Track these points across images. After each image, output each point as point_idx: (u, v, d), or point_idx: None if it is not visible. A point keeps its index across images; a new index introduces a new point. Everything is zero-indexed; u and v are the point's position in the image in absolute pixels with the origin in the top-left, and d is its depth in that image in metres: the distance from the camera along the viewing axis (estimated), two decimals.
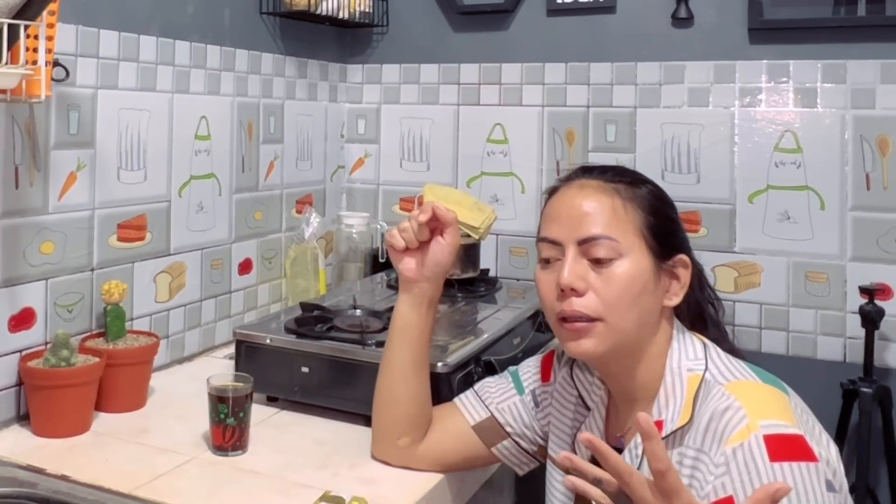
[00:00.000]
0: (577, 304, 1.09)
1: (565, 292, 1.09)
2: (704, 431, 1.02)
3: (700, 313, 1.21)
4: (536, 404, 1.30)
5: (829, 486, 0.96)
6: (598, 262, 1.10)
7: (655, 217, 1.14)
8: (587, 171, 1.19)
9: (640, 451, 1.10)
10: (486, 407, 1.31)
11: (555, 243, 1.13)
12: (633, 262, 1.10)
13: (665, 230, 1.14)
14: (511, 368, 1.37)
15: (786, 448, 0.96)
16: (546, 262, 1.15)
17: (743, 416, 0.99)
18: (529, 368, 1.34)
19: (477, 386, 1.36)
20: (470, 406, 1.32)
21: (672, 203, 1.19)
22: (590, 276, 1.10)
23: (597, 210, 1.12)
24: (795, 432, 0.98)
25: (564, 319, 1.11)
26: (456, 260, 1.29)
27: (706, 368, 1.09)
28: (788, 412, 1.01)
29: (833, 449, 1.03)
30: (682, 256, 1.15)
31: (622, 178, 1.16)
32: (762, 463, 0.96)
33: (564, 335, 1.12)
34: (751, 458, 0.96)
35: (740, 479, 0.96)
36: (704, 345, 1.13)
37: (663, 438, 1.06)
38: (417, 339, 1.29)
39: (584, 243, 1.10)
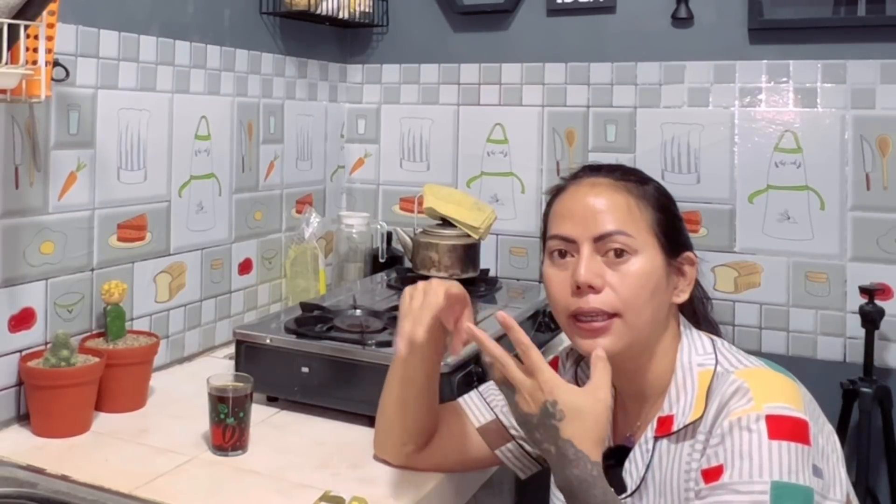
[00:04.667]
0: (594, 301, 1.09)
1: (581, 289, 1.09)
2: (714, 417, 1.03)
3: (694, 310, 1.21)
4: None
5: (816, 472, 0.98)
6: (612, 260, 1.10)
7: (664, 215, 1.15)
8: (595, 170, 1.19)
9: (650, 447, 1.11)
10: (492, 409, 1.31)
11: (568, 240, 1.13)
12: (647, 259, 1.10)
13: (673, 228, 1.15)
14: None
15: (786, 429, 0.98)
16: (556, 260, 1.14)
17: (750, 398, 1.01)
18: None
19: (481, 388, 1.35)
20: (475, 408, 1.32)
21: (675, 201, 1.20)
22: (605, 273, 1.10)
23: (612, 207, 1.12)
24: (801, 417, 1.00)
25: (579, 318, 1.10)
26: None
27: (717, 362, 1.09)
28: (797, 398, 1.02)
29: (833, 439, 1.06)
30: (689, 254, 1.16)
31: (630, 176, 1.17)
32: (757, 438, 0.98)
33: (579, 334, 1.11)
34: (747, 432, 0.98)
35: (732, 451, 0.99)
36: (713, 340, 1.14)
37: (674, 433, 1.08)
38: (433, 354, 1.27)
39: (601, 240, 1.10)
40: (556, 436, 1.03)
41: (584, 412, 1.03)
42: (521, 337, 1.06)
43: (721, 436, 1.01)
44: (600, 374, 1.06)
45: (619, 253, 1.10)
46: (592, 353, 1.07)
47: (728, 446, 0.99)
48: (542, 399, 1.03)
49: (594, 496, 1.00)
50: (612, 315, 1.09)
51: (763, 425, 0.98)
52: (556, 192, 1.20)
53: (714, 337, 1.16)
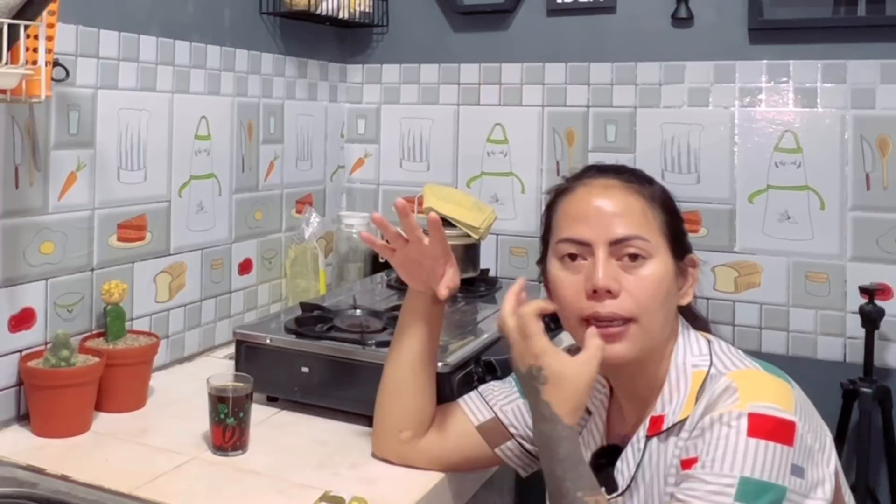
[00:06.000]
0: (611, 306, 1.09)
1: (598, 294, 1.09)
2: (701, 415, 1.04)
3: (691, 310, 1.21)
4: None
5: (796, 471, 0.98)
6: (628, 264, 1.10)
7: (671, 217, 1.15)
8: (602, 171, 1.18)
9: (641, 446, 1.12)
10: (491, 408, 1.31)
11: (583, 243, 1.12)
12: (660, 262, 1.11)
13: (679, 230, 1.16)
14: (514, 374, 1.37)
15: (767, 428, 0.98)
16: (567, 263, 1.14)
17: (736, 397, 1.02)
18: None
19: (481, 388, 1.36)
20: (474, 406, 1.32)
21: (677, 203, 1.20)
22: (621, 277, 1.10)
23: (627, 211, 1.12)
24: (787, 418, 0.99)
25: (592, 321, 1.10)
26: (446, 254, 1.28)
27: (711, 363, 1.09)
28: (787, 399, 1.02)
29: (825, 440, 1.06)
30: (693, 256, 1.16)
31: (638, 178, 1.17)
32: (735, 434, 0.98)
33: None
34: (726, 427, 0.99)
35: (708, 443, 1.00)
36: (709, 341, 1.14)
37: (664, 431, 1.08)
38: (428, 330, 1.30)
39: (617, 244, 1.10)
40: (537, 396, 1.10)
41: (566, 380, 1.08)
42: (525, 307, 1.14)
43: (702, 429, 1.02)
44: (593, 351, 1.09)
45: (635, 257, 1.10)
46: (589, 337, 1.09)
47: (707, 438, 1.00)
48: (529, 363, 1.10)
49: (558, 452, 1.06)
50: (629, 320, 1.09)
51: (744, 422, 0.99)
52: (560, 193, 1.19)
53: (711, 337, 1.16)
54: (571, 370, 1.08)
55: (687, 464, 1.01)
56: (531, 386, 1.11)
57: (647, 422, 1.12)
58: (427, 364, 1.31)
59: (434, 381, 1.33)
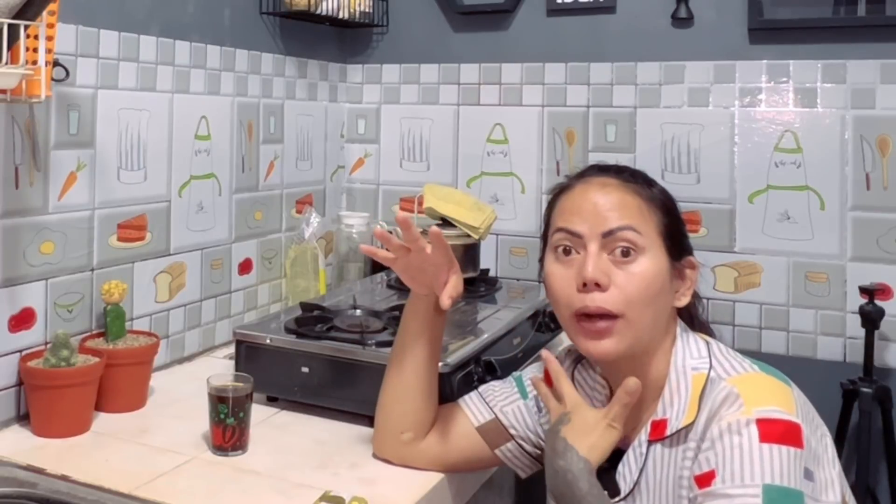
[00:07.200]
0: (599, 300, 1.09)
1: (588, 286, 1.09)
2: (705, 423, 1.04)
3: (688, 311, 1.21)
4: (539, 409, 1.29)
5: (807, 474, 0.99)
6: (619, 259, 1.10)
7: (670, 218, 1.15)
8: (603, 170, 1.19)
9: (644, 450, 1.11)
10: (491, 409, 1.31)
11: (575, 235, 1.13)
12: (653, 260, 1.11)
13: (677, 231, 1.16)
14: (514, 374, 1.37)
15: (777, 432, 0.98)
16: (561, 257, 1.14)
17: (740, 404, 1.02)
18: (532, 374, 1.34)
19: (481, 388, 1.36)
20: (474, 407, 1.32)
21: (677, 205, 1.20)
22: (612, 272, 1.10)
23: (622, 206, 1.12)
24: (792, 420, 1.00)
25: (583, 316, 1.11)
26: (448, 258, 1.28)
27: (711, 366, 1.09)
28: (788, 401, 1.02)
29: (827, 441, 1.06)
30: (691, 258, 1.16)
31: (638, 179, 1.17)
32: (748, 442, 0.98)
33: (582, 334, 1.12)
34: (738, 436, 0.99)
35: (723, 455, 0.99)
36: (707, 343, 1.14)
37: (668, 437, 1.08)
38: (431, 334, 1.30)
39: (609, 235, 1.11)
40: (556, 436, 1.10)
41: (589, 423, 1.10)
42: (555, 367, 1.20)
43: (712, 440, 1.01)
44: (619, 409, 1.10)
45: (627, 252, 1.10)
46: (619, 391, 1.11)
47: (719, 450, 1.00)
48: (560, 412, 1.15)
49: (579, 489, 1.05)
50: (616, 316, 1.09)
51: (754, 429, 0.98)
52: (560, 190, 1.20)
53: (709, 339, 1.16)
54: (598, 418, 1.11)
55: (703, 480, 1.00)
56: (555, 430, 1.13)
57: (648, 425, 1.12)
58: (429, 367, 1.31)
59: (436, 384, 1.32)
